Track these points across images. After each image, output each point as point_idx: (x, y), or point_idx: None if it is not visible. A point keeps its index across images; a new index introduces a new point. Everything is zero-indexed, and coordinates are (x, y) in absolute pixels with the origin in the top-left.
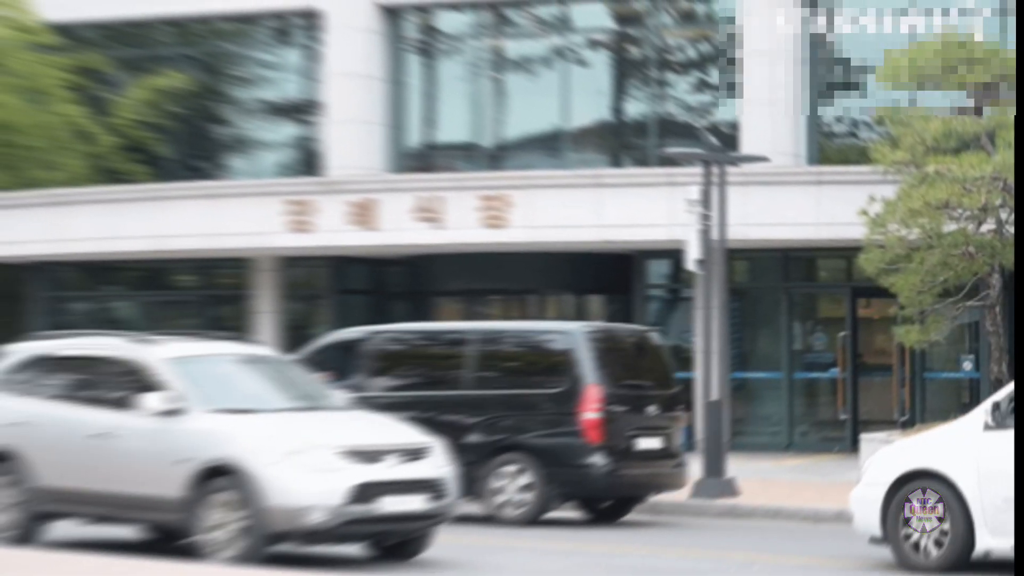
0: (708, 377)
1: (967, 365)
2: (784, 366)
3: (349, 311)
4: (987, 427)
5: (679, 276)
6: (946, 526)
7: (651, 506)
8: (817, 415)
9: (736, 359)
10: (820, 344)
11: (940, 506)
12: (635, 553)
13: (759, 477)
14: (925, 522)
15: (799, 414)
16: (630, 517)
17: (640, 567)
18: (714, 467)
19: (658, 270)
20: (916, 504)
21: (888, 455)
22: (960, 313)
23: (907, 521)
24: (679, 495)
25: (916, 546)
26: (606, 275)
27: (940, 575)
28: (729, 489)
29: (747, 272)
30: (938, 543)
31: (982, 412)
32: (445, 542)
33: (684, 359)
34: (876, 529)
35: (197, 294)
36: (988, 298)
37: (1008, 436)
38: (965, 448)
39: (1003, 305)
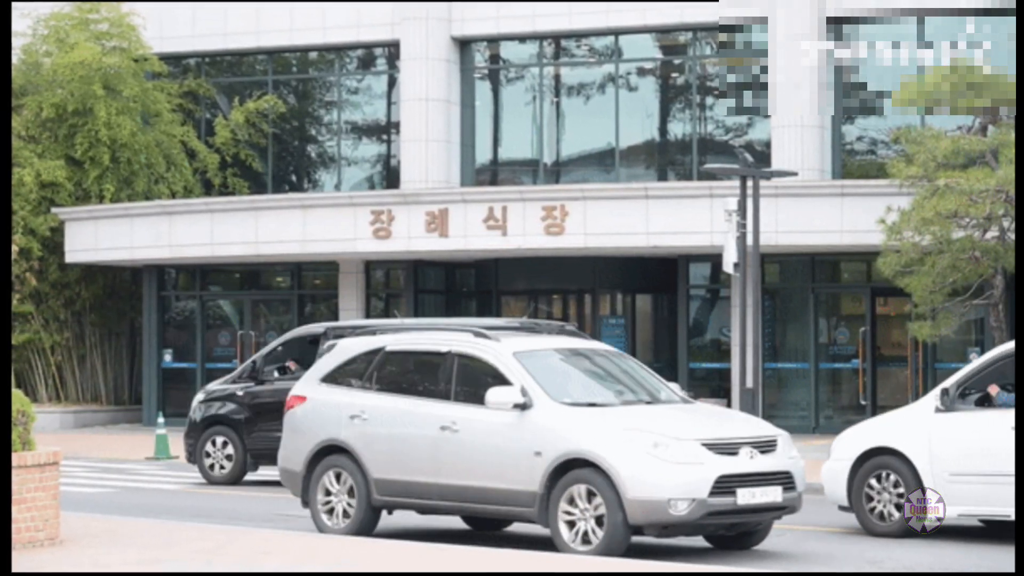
0: (744, 367)
1: (973, 357)
2: (811, 357)
3: (425, 309)
4: (937, 410)
5: (718, 277)
6: (902, 498)
7: None
8: (840, 401)
9: (768, 351)
10: (843, 338)
11: (897, 478)
12: None
13: None
14: (885, 492)
15: (824, 400)
16: None
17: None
18: None
19: (699, 272)
20: (877, 478)
21: (852, 434)
22: (967, 311)
23: (869, 491)
24: None
25: (878, 513)
26: (653, 276)
27: (897, 538)
28: None
29: (778, 274)
30: (892, 513)
31: (932, 397)
32: None
33: (723, 351)
34: (843, 499)
35: (290, 293)
36: (992, 297)
37: (954, 418)
38: (918, 428)
39: (1005, 303)
